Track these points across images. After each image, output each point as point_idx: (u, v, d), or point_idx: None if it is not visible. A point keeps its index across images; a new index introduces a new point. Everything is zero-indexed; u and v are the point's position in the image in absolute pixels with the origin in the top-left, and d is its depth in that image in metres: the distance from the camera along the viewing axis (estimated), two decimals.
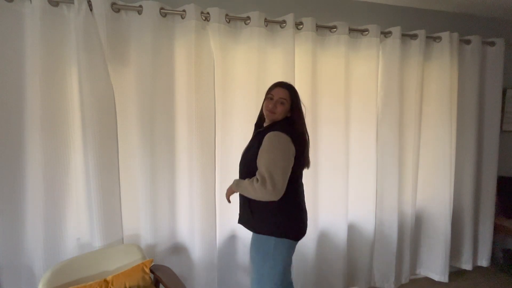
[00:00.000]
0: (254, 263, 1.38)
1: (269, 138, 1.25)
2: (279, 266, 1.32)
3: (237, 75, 1.82)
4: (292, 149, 1.27)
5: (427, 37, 2.13)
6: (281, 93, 1.33)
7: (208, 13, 1.71)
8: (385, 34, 2.06)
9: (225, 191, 1.46)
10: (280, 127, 1.28)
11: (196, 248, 1.79)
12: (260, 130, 1.36)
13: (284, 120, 1.35)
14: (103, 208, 1.60)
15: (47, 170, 1.54)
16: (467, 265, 2.40)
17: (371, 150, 2.08)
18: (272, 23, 1.84)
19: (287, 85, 1.37)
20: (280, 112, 1.32)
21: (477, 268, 2.50)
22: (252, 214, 1.34)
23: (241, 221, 1.45)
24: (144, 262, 1.53)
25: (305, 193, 1.47)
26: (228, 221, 1.88)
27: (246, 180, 1.30)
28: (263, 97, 1.41)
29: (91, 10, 1.54)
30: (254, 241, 1.39)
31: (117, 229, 1.69)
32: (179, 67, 1.73)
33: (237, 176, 1.46)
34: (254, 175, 1.29)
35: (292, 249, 1.38)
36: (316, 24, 1.90)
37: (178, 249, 1.84)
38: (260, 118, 1.48)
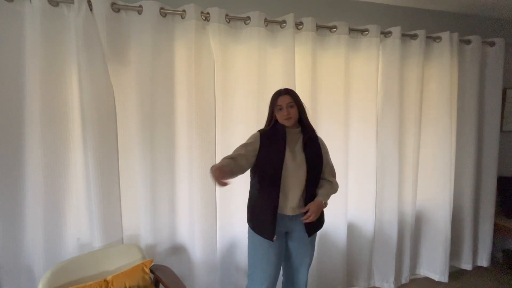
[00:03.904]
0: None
1: (324, 143, 1.55)
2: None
3: (237, 75, 1.82)
4: None
5: (427, 37, 2.13)
6: (286, 99, 1.44)
7: (208, 13, 1.71)
8: (385, 34, 2.06)
9: (312, 210, 1.39)
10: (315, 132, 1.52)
11: (196, 248, 1.79)
12: (310, 135, 1.47)
13: (306, 121, 1.50)
14: (103, 208, 1.60)
15: (47, 170, 1.54)
16: (467, 265, 2.41)
17: (371, 150, 2.08)
18: (272, 23, 1.84)
19: (286, 91, 1.46)
20: (294, 114, 1.44)
21: (477, 268, 2.50)
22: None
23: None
24: (144, 262, 1.53)
25: None
26: (230, 222, 1.88)
27: (326, 186, 1.48)
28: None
29: (91, 10, 1.54)
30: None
31: (117, 229, 1.69)
32: (179, 67, 1.73)
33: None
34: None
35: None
36: (316, 24, 1.90)
37: (178, 249, 1.83)
38: (269, 123, 1.50)
